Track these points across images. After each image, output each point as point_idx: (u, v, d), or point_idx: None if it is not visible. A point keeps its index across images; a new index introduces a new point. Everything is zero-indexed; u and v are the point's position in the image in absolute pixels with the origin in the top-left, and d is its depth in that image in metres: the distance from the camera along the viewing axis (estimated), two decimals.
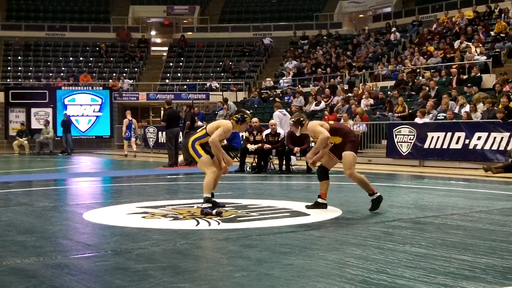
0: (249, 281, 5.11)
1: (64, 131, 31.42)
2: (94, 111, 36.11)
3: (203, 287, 4.90)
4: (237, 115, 9.24)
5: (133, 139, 27.63)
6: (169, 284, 4.98)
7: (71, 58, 42.87)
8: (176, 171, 18.27)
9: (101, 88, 37.32)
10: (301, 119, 9.27)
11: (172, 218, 8.53)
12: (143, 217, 8.71)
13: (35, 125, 34.13)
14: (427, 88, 23.58)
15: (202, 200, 8.86)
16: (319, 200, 9.35)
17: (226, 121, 9.23)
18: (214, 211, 8.65)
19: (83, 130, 35.87)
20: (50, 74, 40.55)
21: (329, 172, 9.43)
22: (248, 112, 9.56)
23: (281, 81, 35.97)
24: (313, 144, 19.20)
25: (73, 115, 34.77)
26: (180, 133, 20.84)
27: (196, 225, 7.95)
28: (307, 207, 9.36)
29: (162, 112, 33.14)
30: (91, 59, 43.04)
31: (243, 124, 9.27)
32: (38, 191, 13.03)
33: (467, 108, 19.53)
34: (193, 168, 18.61)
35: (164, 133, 29.42)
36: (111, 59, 43.19)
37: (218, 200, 9.50)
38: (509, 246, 6.44)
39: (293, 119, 9.37)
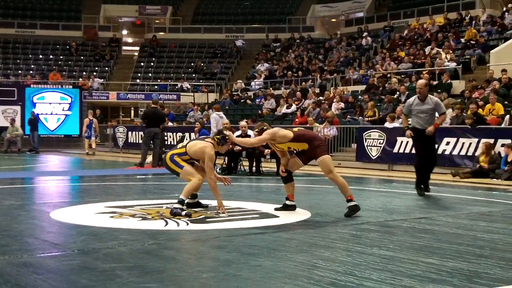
0: (216, 282, 5.10)
1: (32, 129, 31.08)
2: (63, 110, 35.73)
3: (171, 287, 4.88)
4: (218, 136, 9.32)
5: (93, 138, 28.90)
6: (136, 284, 4.95)
7: (40, 56, 42.56)
8: (146, 171, 18.17)
9: (70, 86, 37.02)
10: (264, 128, 9.30)
11: (141, 218, 8.48)
12: (111, 216, 8.64)
13: (3, 123, 33.67)
14: (397, 93, 23.80)
15: (175, 201, 8.84)
16: (287, 202, 9.37)
17: (208, 146, 9.10)
18: (183, 212, 8.61)
19: (52, 129, 35.50)
20: (19, 71, 40.18)
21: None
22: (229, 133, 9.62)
23: (252, 83, 35.98)
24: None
25: (42, 114, 34.43)
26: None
27: (165, 226, 7.92)
28: (276, 209, 9.36)
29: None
30: (61, 57, 42.76)
31: (225, 145, 9.37)
32: (5, 189, 12.88)
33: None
34: (164, 169, 18.52)
35: (134, 132, 29.55)
36: (82, 57, 42.95)
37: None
38: (476, 250, 6.49)
39: (257, 129, 9.39)
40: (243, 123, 17.90)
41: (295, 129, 9.40)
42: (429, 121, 12.15)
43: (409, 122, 12.65)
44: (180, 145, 9.52)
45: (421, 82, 12.65)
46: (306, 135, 9.29)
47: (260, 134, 9.25)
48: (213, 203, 9.95)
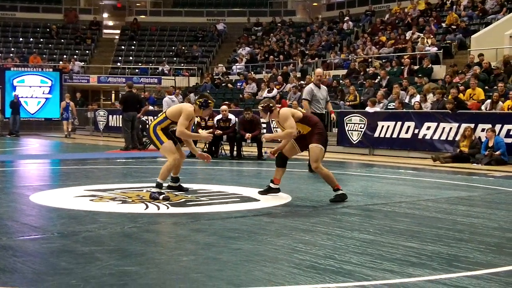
0: (196, 265, 5.10)
1: (13, 112, 30.86)
2: (43, 93, 35.56)
3: (150, 270, 4.87)
4: (200, 100, 9.00)
5: (70, 120, 30.15)
6: (115, 267, 4.94)
7: (21, 39, 42.13)
8: (128, 155, 18.11)
9: (51, 70, 36.76)
10: (271, 104, 9.04)
11: (121, 202, 8.45)
12: (91, 200, 8.62)
13: None
14: (378, 78, 23.88)
15: (154, 184, 8.78)
16: (272, 184, 9.27)
17: (188, 105, 9.04)
18: (161, 196, 8.51)
19: (32, 112, 35.30)
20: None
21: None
22: (211, 97, 9.26)
23: (234, 67, 35.89)
24: (264, 131, 19.32)
25: (22, 97, 34.20)
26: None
27: (145, 209, 7.90)
28: (260, 192, 9.30)
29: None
30: (41, 40, 42.37)
31: (206, 109, 9.03)
32: None
33: (417, 98, 19.75)
34: (146, 152, 18.56)
35: (115, 116, 29.42)
36: (62, 40, 42.58)
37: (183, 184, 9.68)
38: (455, 234, 6.53)
39: (262, 105, 9.09)
40: (224, 107, 17.86)
41: (303, 110, 9.32)
42: (325, 106, 14.10)
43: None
44: (160, 113, 9.30)
45: (320, 71, 14.66)
46: (313, 118, 9.19)
47: (266, 111, 8.99)
48: (194, 186, 9.95)
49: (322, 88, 14.02)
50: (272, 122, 19.76)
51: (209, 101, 9.01)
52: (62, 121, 30.54)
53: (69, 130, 30.00)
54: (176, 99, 21.43)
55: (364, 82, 24.37)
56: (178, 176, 9.47)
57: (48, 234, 6.28)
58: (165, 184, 8.88)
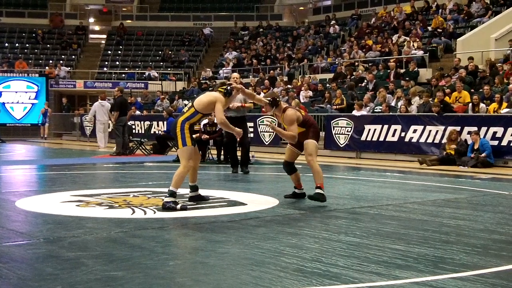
0: (183, 269, 5.09)
1: None
2: (29, 99, 35.45)
3: (137, 275, 4.85)
4: (223, 87, 8.57)
5: (47, 125, 33.13)
6: (101, 272, 4.92)
7: (6, 44, 41.95)
8: (114, 160, 18.05)
9: (37, 75, 36.63)
10: (277, 99, 8.93)
11: (107, 207, 8.43)
12: (77, 205, 8.58)
13: None
14: (365, 81, 23.94)
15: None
16: (297, 190, 9.29)
17: (216, 94, 8.48)
18: (178, 206, 8.15)
19: (18, 118, 35.18)
20: None
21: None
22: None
23: (220, 71, 35.89)
24: (251, 135, 19.31)
25: (8, 102, 34.09)
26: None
27: (132, 214, 7.87)
28: (286, 196, 9.33)
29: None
30: (27, 45, 42.21)
31: (230, 97, 8.62)
32: None
33: (401, 101, 19.81)
34: (132, 157, 18.52)
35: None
36: (48, 45, 42.44)
37: (183, 192, 9.50)
38: (441, 236, 6.55)
39: (269, 98, 8.92)
40: None
41: (303, 113, 9.11)
42: (241, 110, 14.02)
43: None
44: (186, 108, 8.65)
45: (236, 75, 14.38)
46: (309, 121, 9.09)
47: (272, 105, 8.83)
48: (181, 191, 9.90)
49: None
50: (262, 125, 19.75)
51: (232, 88, 8.62)
52: (40, 126, 33.23)
53: (45, 134, 32.87)
54: (106, 104, 22.54)
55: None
56: (196, 185, 8.98)
57: (34, 239, 6.25)
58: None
